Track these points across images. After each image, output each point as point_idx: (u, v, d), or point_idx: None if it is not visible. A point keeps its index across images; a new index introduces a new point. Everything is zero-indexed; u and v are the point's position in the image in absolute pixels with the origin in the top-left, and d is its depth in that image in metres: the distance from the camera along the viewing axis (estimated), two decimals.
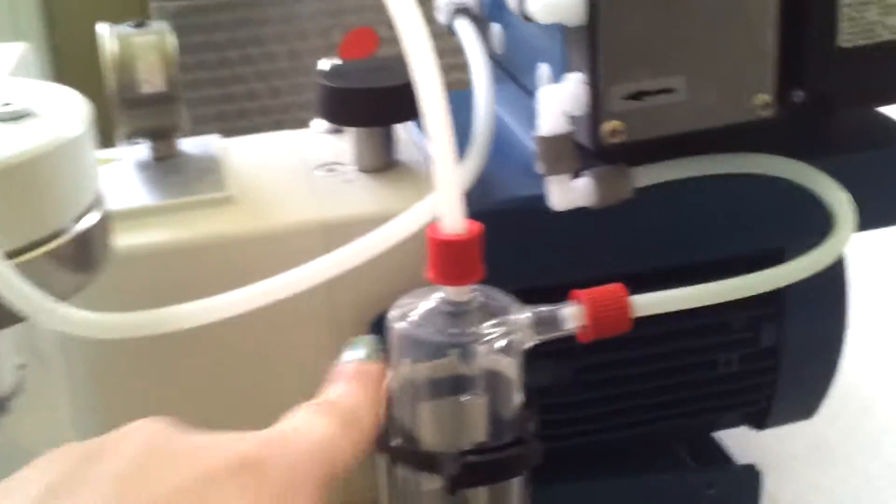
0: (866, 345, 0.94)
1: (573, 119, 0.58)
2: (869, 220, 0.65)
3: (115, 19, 0.67)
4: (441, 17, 0.74)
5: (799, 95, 0.59)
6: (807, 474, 0.80)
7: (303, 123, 0.74)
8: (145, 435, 0.37)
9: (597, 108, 0.56)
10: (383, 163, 0.67)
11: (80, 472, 0.34)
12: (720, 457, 0.78)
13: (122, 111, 0.65)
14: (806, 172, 0.61)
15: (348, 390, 0.46)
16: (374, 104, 0.64)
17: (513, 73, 0.70)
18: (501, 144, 0.68)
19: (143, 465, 0.35)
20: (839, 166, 0.62)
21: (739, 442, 0.80)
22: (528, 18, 0.57)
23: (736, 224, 0.65)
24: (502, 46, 0.71)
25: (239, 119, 1.85)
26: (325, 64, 0.70)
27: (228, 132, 1.89)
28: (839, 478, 0.79)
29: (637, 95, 0.57)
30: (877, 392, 0.88)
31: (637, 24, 0.55)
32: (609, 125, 0.57)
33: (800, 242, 0.63)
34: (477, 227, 0.53)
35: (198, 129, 1.89)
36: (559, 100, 0.57)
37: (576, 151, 0.58)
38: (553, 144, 0.58)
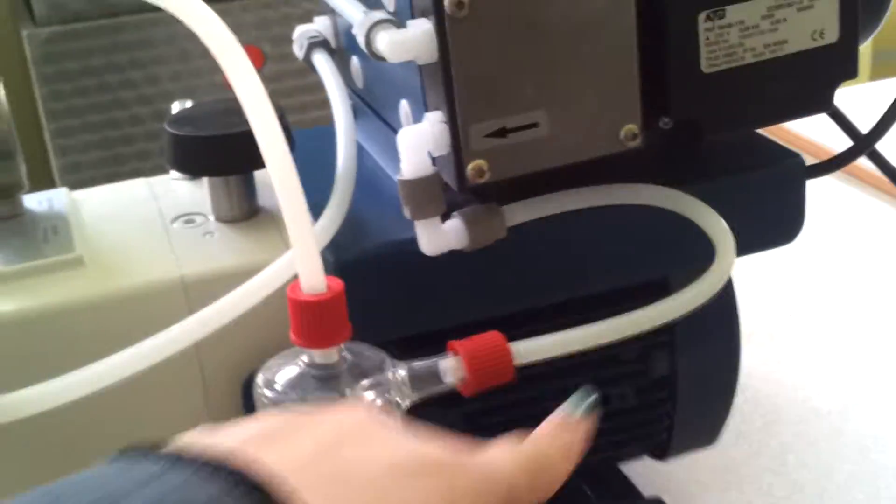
0: (764, 358, 0.93)
1: (437, 159, 0.55)
2: (753, 242, 0.63)
3: None
4: (297, 51, 0.70)
5: (666, 122, 0.56)
6: (715, 500, 0.78)
7: None
8: (353, 416, 0.39)
9: (459, 149, 0.53)
10: (244, 211, 0.63)
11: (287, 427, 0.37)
12: (625, 490, 0.75)
13: None
14: (681, 200, 0.58)
15: (548, 442, 0.46)
16: (224, 152, 0.60)
17: (375, 108, 0.67)
18: (370, 183, 0.64)
19: (343, 438, 0.37)
20: (715, 191, 0.60)
21: (644, 471, 0.77)
22: (378, 57, 0.54)
23: (617, 256, 0.62)
24: (362, 80, 0.67)
25: (125, 145, 1.80)
26: (175, 108, 0.66)
27: (114, 160, 1.83)
28: (746, 501, 0.77)
29: (500, 132, 0.54)
30: (779, 407, 0.86)
31: (492, 58, 0.52)
32: (473, 165, 0.54)
33: (684, 269, 0.61)
34: (338, 284, 0.50)
35: (81, 158, 1.83)
36: (420, 141, 0.54)
37: (442, 193, 0.55)
38: (417, 187, 0.55)
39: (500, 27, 0.52)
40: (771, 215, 0.64)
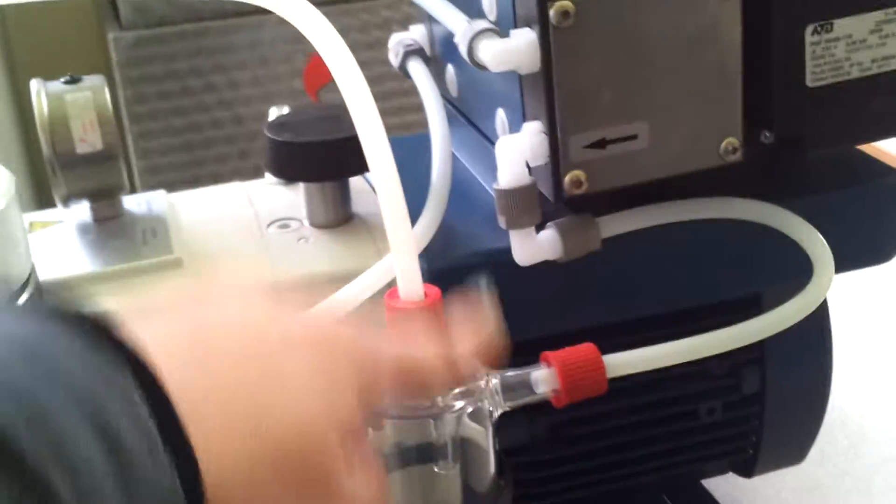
0: (853, 380, 0.91)
1: (533, 169, 0.55)
2: (849, 260, 0.62)
3: (75, 56, 0.64)
4: (393, 59, 0.71)
5: (768, 137, 0.55)
6: None
7: None
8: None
9: (557, 159, 0.53)
10: (338, 217, 0.63)
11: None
12: None
13: (58, 173, 0.62)
14: (779, 216, 0.58)
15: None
16: (321, 158, 0.61)
17: (470, 117, 0.67)
18: (463, 192, 0.65)
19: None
20: (813, 207, 0.59)
21: (727, 487, 0.76)
22: (479, 66, 0.54)
23: (710, 270, 0.62)
24: (457, 89, 0.68)
25: (205, 149, 1.82)
26: (273, 113, 0.67)
27: (194, 163, 1.85)
28: None
29: (599, 144, 0.53)
30: (865, 429, 0.85)
31: (594, 69, 0.52)
32: (571, 176, 0.53)
33: (778, 286, 0.60)
34: (435, 292, 0.50)
35: (162, 161, 1.86)
36: (518, 151, 0.54)
37: (538, 203, 0.55)
38: (513, 197, 0.55)
39: (605, 38, 0.52)
40: (868, 234, 0.63)
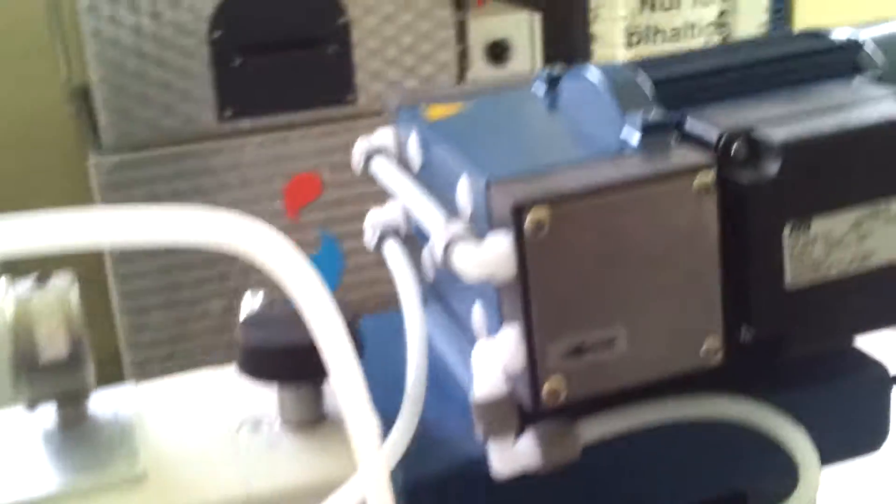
0: None
1: (510, 377, 0.53)
2: (836, 453, 0.60)
3: (56, 181, 0.62)
4: (369, 237, 0.69)
5: (747, 335, 0.54)
6: None
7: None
8: None
9: (535, 368, 0.52)
10: (312, 417, 0.61)
11: None
12: None
13: (21, 378, 0.59)
14: (760, 414, 0.56)
15: None
16: (296, 362, 0.59)
17: (446, 299, 0.66)
18: (438, 382, 0.63)
19: None
20: (796, 401, 0.57)
21: None
22: (454, 272, 0.53)
23: (692, 469, 0.60)
24: (434, 274, 0.66)
25: (184, 271, 1.81)
26: (247, 302, 0.65)
27: (172, 286, 1.82)
28: None
29: (577, 350, 0.52)
30: None
31: (571, 276, 0.51)
32: (549, 384, 0.52)
33: (763, 484, 0.58)
34: None
35: (141, 283, 1.82)
36: (495, 358, 0.52)
37: (516, 413, 0.53)
38: (491, 408, 0.53)
39: (581, 245, 0.51)
40: (854, 425, 0.61)
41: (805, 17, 2.44)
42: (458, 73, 1.87)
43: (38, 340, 0.59)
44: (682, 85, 0.59)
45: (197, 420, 0.63)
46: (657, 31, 2.14)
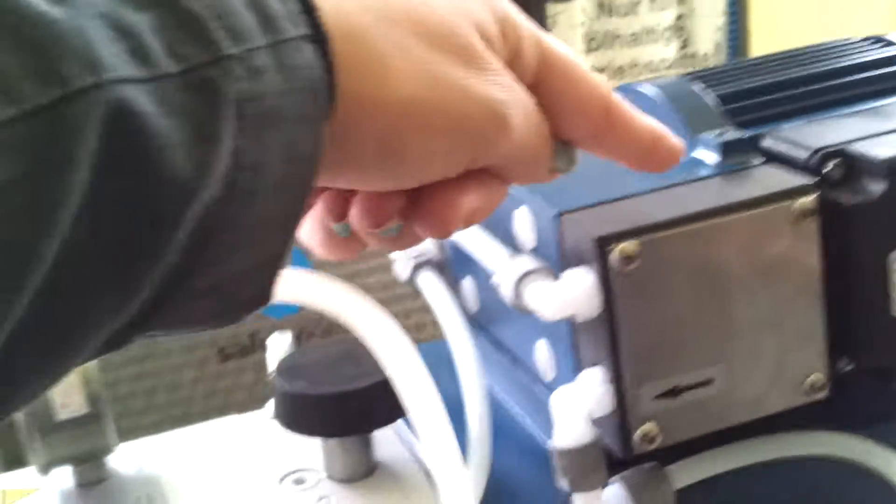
0: None
1: (596, 422, 0.48)
2: None
3: None
4: (400, 270, 0.64)
5: (852, 366, 0.50)
6: None
7: None
8: None
9: (626, 414, 0.47)
10: (361, 471, 0.56)
11: None
12: None
13: (37, 441, 0.53)
14: (866, 450, 0.52)
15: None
16: (343, 411, 0.53)
17: (496, 336, 0.61)
18: (496, 426, 0.58)
19: None
20: None
21: None
22: (525, 311, 0.48)
23: None
24: (478, 304, 0.61)
25: None
26: (275, 345, 0.59)
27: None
28: None
29: (671, 392, 0.47)
30: None
31: (663, 312, 0.46)
32: (642, 430, 0.47)
33: None
34: None
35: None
36: (579, 404, 0.48)
37: (604, 460, 0.49)
38: (576, 457, 0.48)
39: (672, 278, 0.46)
40: None
41: (761, 19, 2.44)
42: None
43: (53, 399, 0.53)
44: (751, 100, 0.55)
45: (232, 473, 0.57)
46: (616, 36, 2.11)
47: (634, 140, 0.39)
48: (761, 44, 2.42)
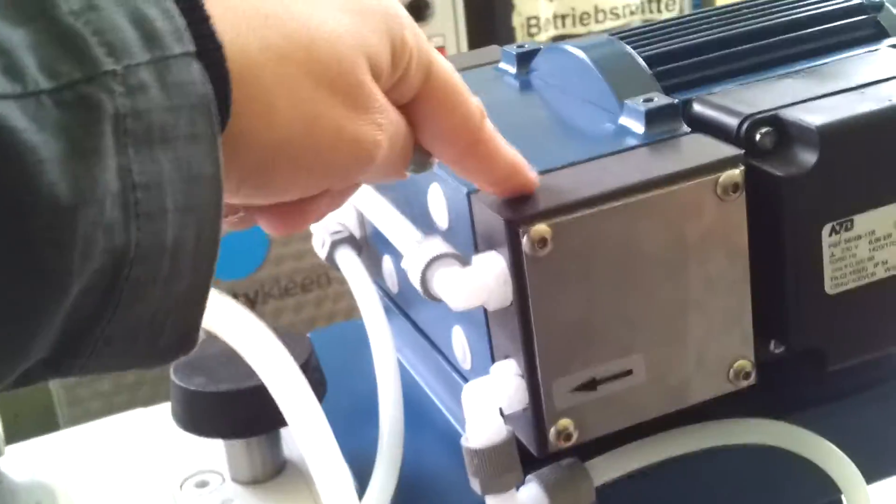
0: None
1: (509, 417, 0.45)
2: (880, 470, 0.53)
3: None
4: (318, 248, 0.60)
5: (782, 349, 0.47)
6: None
7: None
8: None
9: (540, 409, 0.43)
10: (267, 471, 0.52)
11: None
12: None
13: None
14: (794, 437, 0.49)
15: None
16: (244, 410, 0.49)
17: (415, 320, 0.57)
18: (410, 407, 0.54)
19: None
20: (832, 418, 0.50)
21: None
22: (436, 299, 0.44)
23: (723, 500, 0.52)
24: (398, 285, 0.57)
25: None
26: None
27: None
28: None
29: (589, 385, 0.44)
30: None
31: (579, 299, 0.42)
32: (558, 426, 0.44)
33: None
34: None
35: None
36: (490, 400, 0.44)
37: (518, 458, 0.45)
38: (489, 456, 0.44)
39: (589, 262, 0.42)
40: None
41: None
42: None
43: None
44: (680, 63, 0.51)
45: (130, 476, 0.53)
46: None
47: (492, 171, 0.41)
48: None
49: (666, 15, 2.13)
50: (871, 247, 0.45)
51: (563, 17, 2.06)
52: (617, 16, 2.08)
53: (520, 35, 2.01)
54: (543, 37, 2.03)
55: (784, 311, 0.46)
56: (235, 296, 1.71)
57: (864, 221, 0.45)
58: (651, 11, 2.12)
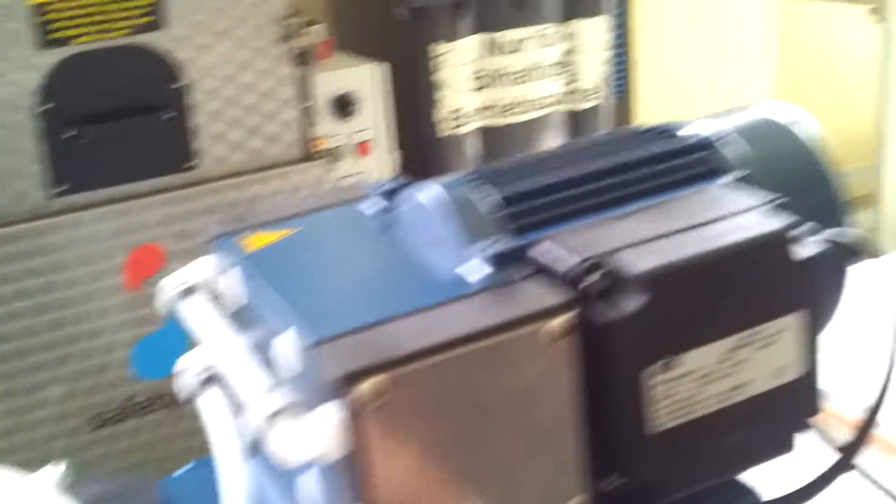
0: None
1: None
2: None
3: None
4: (183, 388, 0.60)
5: (613, 485, 0.48)
6: None
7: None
8: None
9: None
10: None
11: None
12: None
13: None
14: None
15: None
16: None
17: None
18: None
19: None
20: None
21: None
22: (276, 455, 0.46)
23: None
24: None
25: (20, 359, 1.68)
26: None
27: (6, 375, 1.67)
28: None
29: None
30: None
31: (415, 451, 0.44)
32: None
33: None
34: None
35: None
36: None
37: None
38: None
39: (427, 412, 0.44)
40: None
41: (646, 51, 2.46)
42: (302, 130, 1.79)
43: None
44: (533, 201, 0.53)
45: None
46: (503, 73, 2.11)
47: None
48: (647, 75, 2.44)
49: (587, 105, 2.18)
50: (697, 384, 0.48)
51: (490, 107, 2.11)
52: (541, 106, 2.13)
53: (447, 127, 2.05)
54: (469, 128, 2.08)
55: (613, 450, 0.47)
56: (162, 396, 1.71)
57: (689, 360, 0.47)
58: (573, 102, 2.18)
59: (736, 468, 0.52)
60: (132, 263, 1.71)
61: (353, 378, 0.43)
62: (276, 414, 0.45)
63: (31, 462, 1.58)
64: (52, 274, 1.66)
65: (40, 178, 1.64)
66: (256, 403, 0.46)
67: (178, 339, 1.87)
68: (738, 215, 0.50)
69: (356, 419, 0.43)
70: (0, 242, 1.62)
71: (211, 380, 0.59)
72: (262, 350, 0.52)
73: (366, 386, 0.43)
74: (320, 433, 0.44)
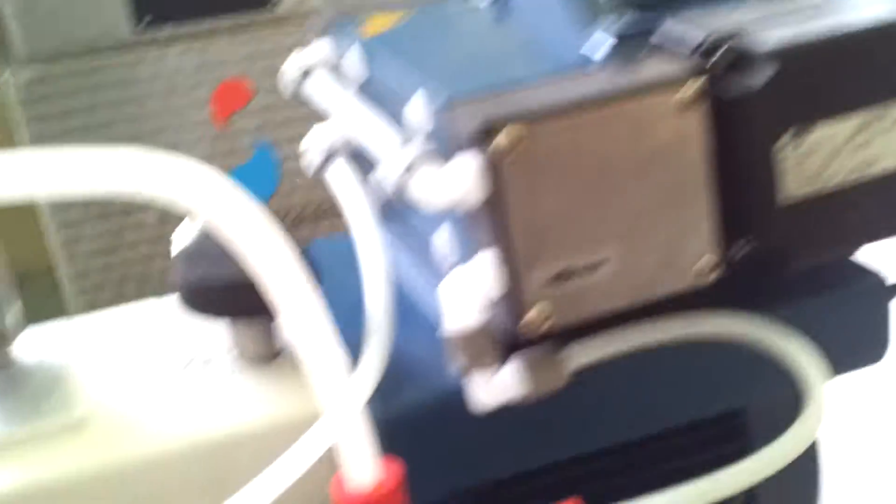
0: None
1: (488, 305, 0.48)
2: (838, 366, 0.56)
3: None
4: (308, 163, 0.62)
5: (743, 251, 0.50)
6: None
7: None
8: None
9: (516, 297, 0.47)
10: (266, 353, 0.56)
11: None
12: None
13: None
14: (760, 330, 0.52)
15: None
16: (245, 295, 0.52)
17: (404, 226, 0.60)
18: (399, 308, 0.57)
19: None
20: (792, 316, 0.53)
21: None
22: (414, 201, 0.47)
23: (688, 391, 0.56)
24: (386, 198, 0.60)
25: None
26: (180, 236, 0.57)
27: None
28: None
29: (563, 275, 0.47)
30: None
31: (551, 196, 0.46)
32: (533, 312, 0.47)
33: (762, 401, 0.55)
34: (394, 472, 0.43)
35: (74, 213, 1.73)
36: (469, 288, 0.47)
37: (495, 343, 0.49)
38: (467, 342, 0.48)
39: (560, 165, 0.45)
40: (854, 337, 0.58)
41: None
42: None
43: None
44: None
45: (139, 358, 0.57)
46: None
47: None
48: None
49: None
50: (825, 158, 0.48)
51: None
52: None
53: None
54: None
55: (744, 216, 0.49)
56: None
57: (818, 135, 0.48)
58: None
59: (859, 241, 0.53)
60: (218, 97, 1.73)
61: (492, 129, 0.44)
62: (415, 163, 0.47)
63: (129, 278, 1.63)
64: (140, 105, 1.68)
65: (125, 9, 1.65)
66: (395, 156, 0.48)
67: (266, 169, 1.91)
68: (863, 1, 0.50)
69: (494, 168, 0.45)
70: (88, 73, 1.65)
71: (335, 154, 0.62)
72: (391, 117, 0.54)
73: (503, 136, 0.44)
74: (461, 179, 0.45)
